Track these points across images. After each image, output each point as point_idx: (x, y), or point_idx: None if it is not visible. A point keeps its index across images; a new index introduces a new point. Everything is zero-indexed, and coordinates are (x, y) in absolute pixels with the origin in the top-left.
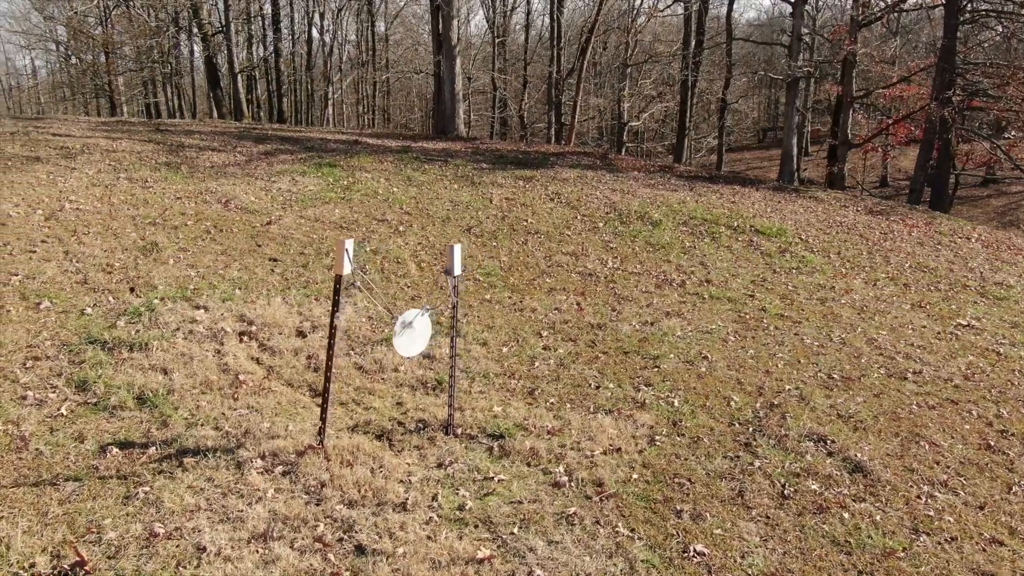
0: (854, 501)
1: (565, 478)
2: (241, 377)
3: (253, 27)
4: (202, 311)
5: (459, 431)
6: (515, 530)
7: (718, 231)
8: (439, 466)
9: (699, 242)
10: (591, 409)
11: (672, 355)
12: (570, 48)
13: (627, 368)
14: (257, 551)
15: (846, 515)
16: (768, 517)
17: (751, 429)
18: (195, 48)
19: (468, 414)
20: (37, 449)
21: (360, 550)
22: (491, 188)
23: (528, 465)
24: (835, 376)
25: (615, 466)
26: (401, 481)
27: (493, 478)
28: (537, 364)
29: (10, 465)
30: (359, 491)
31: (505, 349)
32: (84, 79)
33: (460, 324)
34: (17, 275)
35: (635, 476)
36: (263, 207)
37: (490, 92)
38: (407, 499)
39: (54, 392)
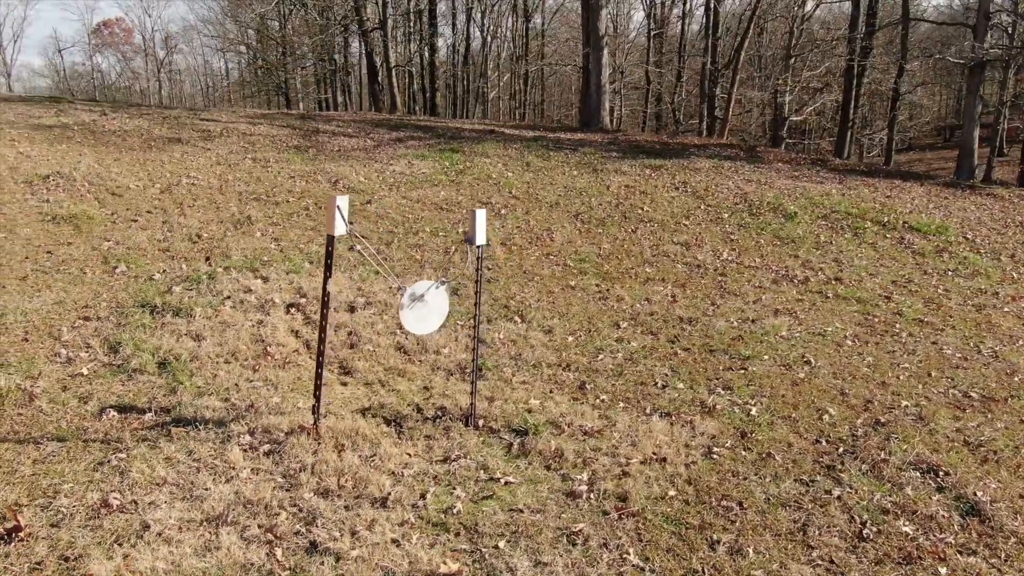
0: (960, 553)
1: (584, 487)
2: (270, 349)
3: (412, 24)
4: (260, 281)
5: (481, 423)
6: (501, 544)
7: (863, 226)
8: (444, 460)
9: (837, 237)
10: (647, 410)
11: (767, 356)
12: (729, 40)
13: (707, 368)
14: (203, 536)
15: (943, 570)
16: (833, 562)
17: (841, 450)
18: (362, 46)
19: (498, 405)
20: (40, 406)
21: (312, 548)
22: (613, 176)
23: (547, 468)
24: (973, 395)
25: (651, 479)
26: (392, 473)
27: (500, 479)
28: (601, 357)
29: (8, 420)
30: (339, 480)
31: (571, 339)
32: (267, 78)
33: (530, 309)
34: (109, 241)
35: (672, 493)
36: (369, 187)
37: (643, 86)
38: (389, 494)
39: (86, 352)
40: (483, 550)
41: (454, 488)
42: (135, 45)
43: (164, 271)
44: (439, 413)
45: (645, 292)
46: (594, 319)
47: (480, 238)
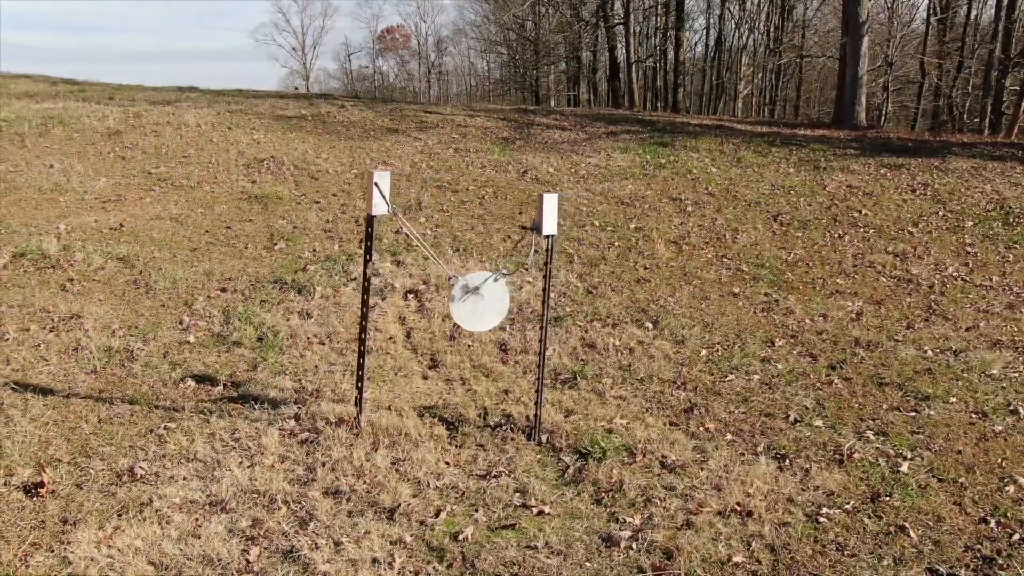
0: None
1: (627, 533)
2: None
3: (658, 18)
4: (393, 266)
5: (545, 438)
6: None
7: None
8: (484, 475)
9: None
10: (757, 448)
11: (956, 399)
12: None
13: (866, 404)
14: (195, 521)
15: None
16: None
17: (1016, 537)
18: (606, 41)
19: (575, 420)
20: (133, 369)
21: (288, 554)
22: (836, 174)
23: (597, 502)
24: None
25: (720, 535)
26: (416, 482)
27: (534, 508)
28: (732, 378)
29: (104, 377)
30: (354, 481)
31: (704, 352)
32: (521, 77)
33: (669, 314)
34: (284, 220)
35: (739, 559)
36: (556, 179)
37: (918, 80)
38: (399, 505)
39: (204, 321)
40: None
41: (476, 510)
42: (411, 49)
43: (315, 250)
44: (503, 421)
45: (825, 306)
46: (745, 332)
47: (549, 227)
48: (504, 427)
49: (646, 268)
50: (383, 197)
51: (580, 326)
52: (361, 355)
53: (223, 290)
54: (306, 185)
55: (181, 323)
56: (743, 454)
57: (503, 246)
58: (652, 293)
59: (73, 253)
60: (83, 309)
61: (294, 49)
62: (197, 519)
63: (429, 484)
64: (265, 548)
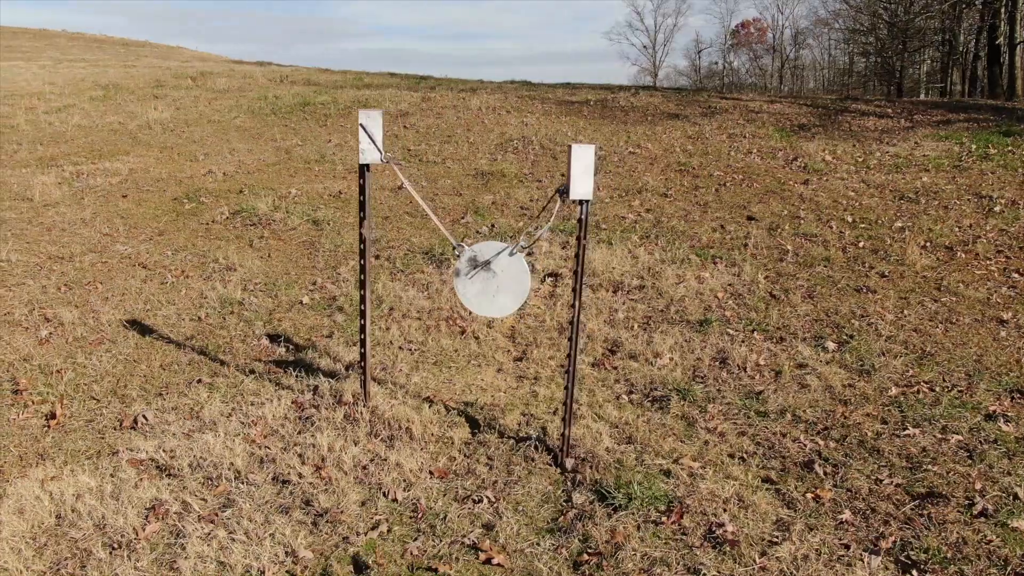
0: None
1: None
2: (460, 314)
3: None
4: (559, 248)
5: (570, 464)
6: None
7: None
8: (463, 498)
9: None
10: (879, 544)
11: None
12: None
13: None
14: (134, 481)
15: None
16: None
17: None
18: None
19: (626, 449)
20: (229, 321)
21: (178, 536)
22: None
23: (574, 567)
24: None
25: None
26: (376, 488)
27: (483, 554)
28: (914, 432)
29: (203, 325)
30: (310, 472)
31: (895, 391)
32: (884, 68)
33: (875, 335)
34: (491, 194)
35: None
36: (829, 167)
37: None
38: (328, 511)
39: (333, 284)
40: None
41: (415, 539)
42: (766, 43)
43: (492, 226)
44: (536, 434)
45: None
46: (984, 373)
47: (580, 190)
48: (530, 442)
49: (882, 276)
50: (373, 142)
51: (728, 335)
52: (362, 330)
53: (376, 257)
54: (542, 164)
55: (313, 284)
56: (847, 546)
57: (708, 237)
58: (866, 307)
59: (275, 213)
60: (241, 262)
61: (645, 47)
62: (140, 480)
63: (387, 494)
64: (164, 526)
